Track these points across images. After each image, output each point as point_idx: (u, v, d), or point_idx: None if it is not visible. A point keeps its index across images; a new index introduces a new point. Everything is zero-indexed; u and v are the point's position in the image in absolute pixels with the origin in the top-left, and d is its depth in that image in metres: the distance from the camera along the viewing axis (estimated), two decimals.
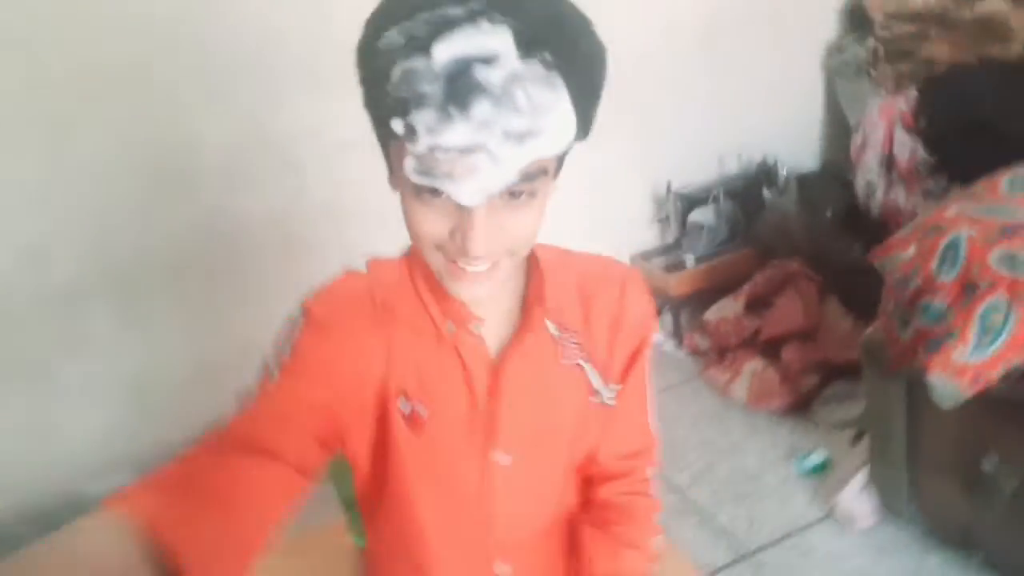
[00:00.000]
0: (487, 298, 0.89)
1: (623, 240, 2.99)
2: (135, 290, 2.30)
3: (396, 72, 0.70)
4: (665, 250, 2.99)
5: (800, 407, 2.45)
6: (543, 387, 0.95)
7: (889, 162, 2.79)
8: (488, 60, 0.68)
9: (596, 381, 0.98)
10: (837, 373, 2.46)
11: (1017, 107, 2.50)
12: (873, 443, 2.02)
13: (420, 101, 0.69)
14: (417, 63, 0.69)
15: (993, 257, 1.60)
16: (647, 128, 2.88)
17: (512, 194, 0.75)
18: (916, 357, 1.66)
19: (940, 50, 2.84)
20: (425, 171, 0.72)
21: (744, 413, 2.51)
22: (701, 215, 2.90)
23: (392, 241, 0.96)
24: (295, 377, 0.84)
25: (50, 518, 2.29)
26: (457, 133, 0.69)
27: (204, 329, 2.40)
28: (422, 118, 0.69)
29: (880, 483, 2.02)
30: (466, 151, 0.70)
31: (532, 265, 0.96)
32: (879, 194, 2.81)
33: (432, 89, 0.69)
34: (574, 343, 0.97)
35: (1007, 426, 1.64)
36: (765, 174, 2.95)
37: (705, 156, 2.99)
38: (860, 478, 2.07)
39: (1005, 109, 2.51)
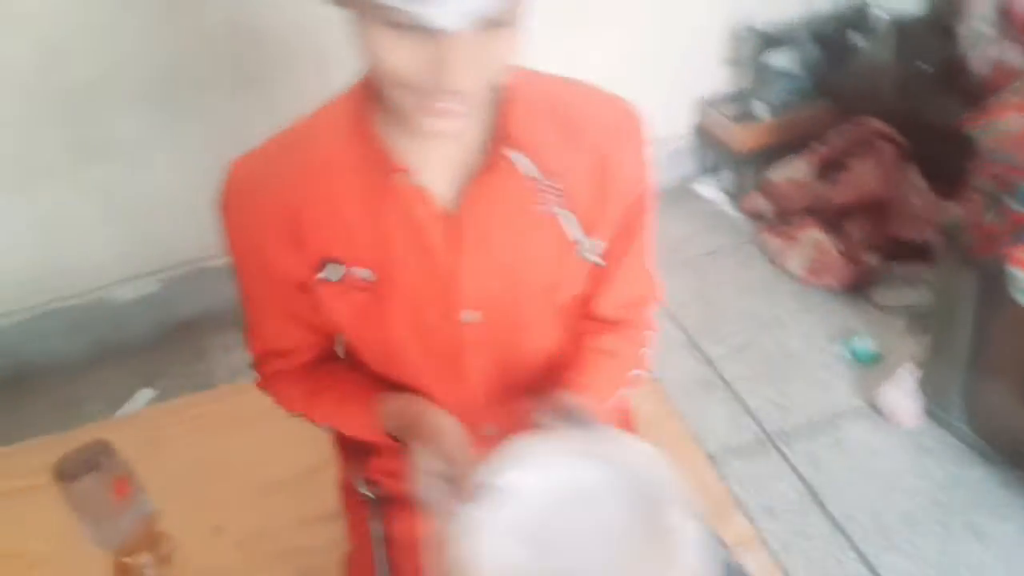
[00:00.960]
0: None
1: (688, 81, 2.67)
2: (158, 99, 2.16)
3: None
4: (735, 97, 2.68)
5: (858, 286, 2.24)
6: (512, 235, 0.84)
7: (1006, 13, 2.41)
8: None
9: (575, 231, 0.86)
10: (906, 253, 2.23)
11: None
12: (933, 336, 1.82)
13: None
14: None
15: None
16: None
17: (493, 20, 0.64)
18: (1000, 245, 1.44)
19: None
20: None
21: (796, 286, 2.31)
22: (779, 59, 2.57)
23: None
24: (244, 281, 0.90)
25: (78, 321, 2.33)
26: None
27: (229, 145, 2.23)
28: None
29: (932, 380, 1.84)
30: None
31: (501, 94, 0.80)
32: (989, 49, 2.45)
33: None
34: (552, 187, 0.83)
35: None
36: (858, 16, 2.58)
37: None
38: (911, 371, 1.89)
39: None
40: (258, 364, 0.99)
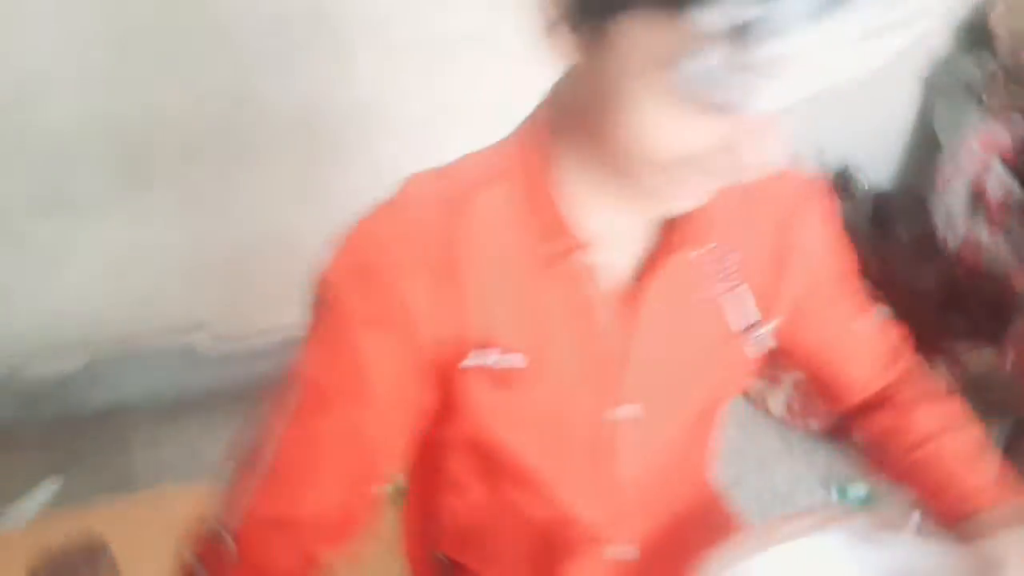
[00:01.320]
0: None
1: None
2: (134, 160, 1.97)
3: None
4: None
5: (843, 430, 2.14)
6: (687, 317, 0.76)
7: (978, 195, 2.53)
8: None
9: (751, 310, 0.77)
10: None
11: None
12: None
13: None
14: None
15: None
16: None
17: None
18: None
19: None
20: (739, 71, 0.48)
21: (779, 428, 2.22)
22: None
23: (433, 161, 0.74)
24: (319, 410, 0.70)
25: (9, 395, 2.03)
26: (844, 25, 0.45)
27: (200, 221, 2.09)
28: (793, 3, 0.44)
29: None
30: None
31: None
32: (960, 227, 2.55)
33: None
34: (730, 263, 0.76)
35: None
36: (842, 183, 2.67)
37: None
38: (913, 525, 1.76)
39: None
40: (251, 529, 0.70)
